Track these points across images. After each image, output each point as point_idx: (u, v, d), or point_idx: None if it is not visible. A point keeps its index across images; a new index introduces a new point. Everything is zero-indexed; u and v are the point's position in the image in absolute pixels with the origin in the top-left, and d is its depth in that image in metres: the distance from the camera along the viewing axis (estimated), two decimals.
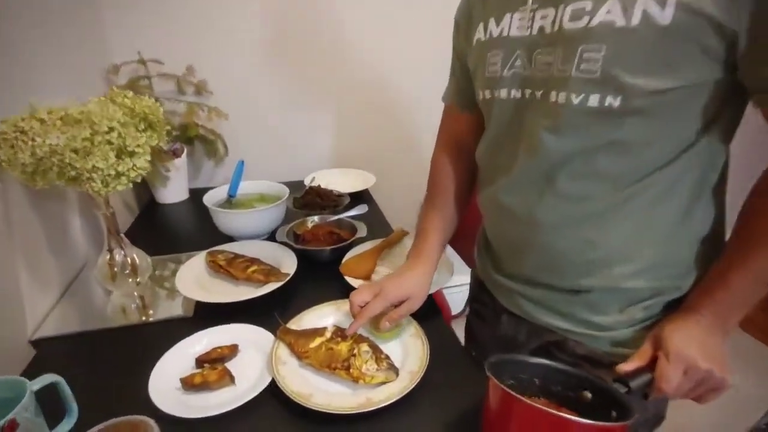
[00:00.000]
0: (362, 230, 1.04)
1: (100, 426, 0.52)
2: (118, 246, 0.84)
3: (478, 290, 0.83)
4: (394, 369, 0.65)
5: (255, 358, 0.70)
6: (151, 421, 0.52)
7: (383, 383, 0.64)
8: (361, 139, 1.66)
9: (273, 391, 0.63)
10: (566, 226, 0.57)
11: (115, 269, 0.84)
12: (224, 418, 0.59)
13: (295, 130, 1.56)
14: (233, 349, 0.69)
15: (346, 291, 0.86)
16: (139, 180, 0.74)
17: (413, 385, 0.62)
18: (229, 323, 0.76)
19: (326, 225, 1.08)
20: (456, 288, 1.63)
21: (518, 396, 0.48)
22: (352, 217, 1.11)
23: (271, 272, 0.88)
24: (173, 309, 0.84)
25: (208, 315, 0.82)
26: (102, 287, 0.89)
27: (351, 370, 0.63)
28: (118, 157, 0.70)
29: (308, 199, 1.21)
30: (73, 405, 0.55)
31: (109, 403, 0.62)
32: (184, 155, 1.35)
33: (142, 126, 0.78)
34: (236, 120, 1.44)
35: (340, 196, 1.25)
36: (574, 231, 0.57)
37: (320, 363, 0.66)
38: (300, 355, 0.68)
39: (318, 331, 0.71)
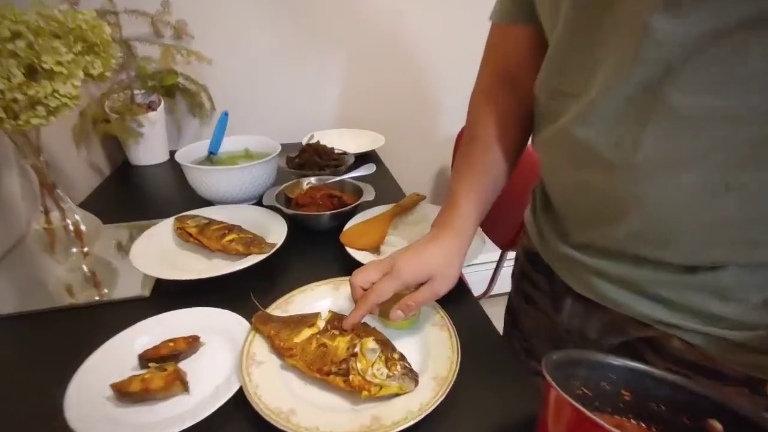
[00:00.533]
0: (369, 193, 0.85)
1: None
2: (57, 207, 0.66)
3: (529, 266, 0.64)
4: (411, 375, 0.46)
5: (223, 356, 0.52)
6: None
7: (396, 395, 0.45)
8: (371, 97, 1.44)
9: (241, 402, 0.45)
10: (686, 168, 0.37)
11: (52, 238, 0.66)
12: None
13: (294, 84, 1.35)
14: (192, 343, 0.51)
15: (348, 267, 0.67)
16: (65, 113, 0.55)
17: (440, 399, 0.44)
18: (192, 307, 0.58)
19: (325, 187, 0.89)
20: (475, 267, 1.45)
21: (598, 420, 0.29)
22: (357, 178, 0.90)
23: (253, 242, 0.69)
24: (131, 288, 0.66)
25: (170, 296, 0.64)
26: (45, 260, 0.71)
27: (351, 377, 0.45)
28: (29, 76, 0.50)
29: (305, 158, 1.01)
30: None
31: (8, 420, 0.45)
32: (161, 109, 1.15)
33: (78, 48, 0.58)
34: (223, 70, 1.23)
35: (344, 154, 1.05)
36: (698, 176, 0.37)
37: (309, 365, 0.47)
38: (282, 352, 0.49)
39: (307, 320, 0.52)
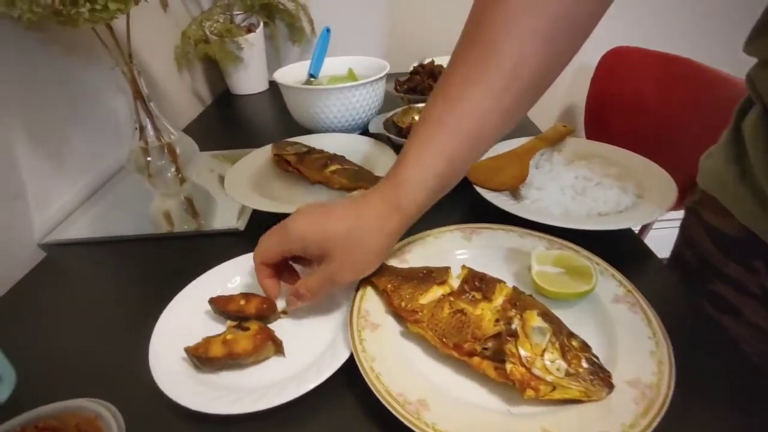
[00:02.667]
0: None
1: (26, 416, 0.27)
2: (151, 124, 0.59)
3: (720, 256, 0.43)
4: (603, 375, 0.30)
5: (323, 310, 0.41)
6: (113, 422, 0.26)
7: (576, 401, 0.30)
8: None
9: (350, 373, 0.33)
10: None
11: (149, 158, 0.59)
12: (258, 417, 0.32)
13: (404, 2, 1.16)
14: (264, 309, 0.39)
15: (478, 210, 0.52)
16: None
17: (656, 421, 0.28)
18: None
19: None
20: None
21: None
22: None
23: (359, 175, 0.57)
24: (227, 219, 0.58)
25: (265, 230, 0.55)
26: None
27: (508, 366, 0.30)
28: None
29: (416, 81, 0.84)
30: (4, 368, 0.31)
31: (100, 356, 0.39)
32: (260, 31, 1.05)
33: None
34: None
35: None
36: None
37: (442, 336, 0.34)
38: (404, 315, 0.36)
39: (435, 275, 0.39)
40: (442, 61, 0.94)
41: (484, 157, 0.59)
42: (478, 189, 0.53)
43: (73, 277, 0.51)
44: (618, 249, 0.46)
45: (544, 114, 1.37)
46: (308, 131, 0.77)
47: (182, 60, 0.96)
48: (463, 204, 0.56)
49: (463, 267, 0.39)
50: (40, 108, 0.58)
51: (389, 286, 0.38)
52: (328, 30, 0.88)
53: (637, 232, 1.05)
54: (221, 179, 0.71)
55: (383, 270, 0.40)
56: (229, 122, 0.99)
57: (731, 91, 0.82)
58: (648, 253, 0.47)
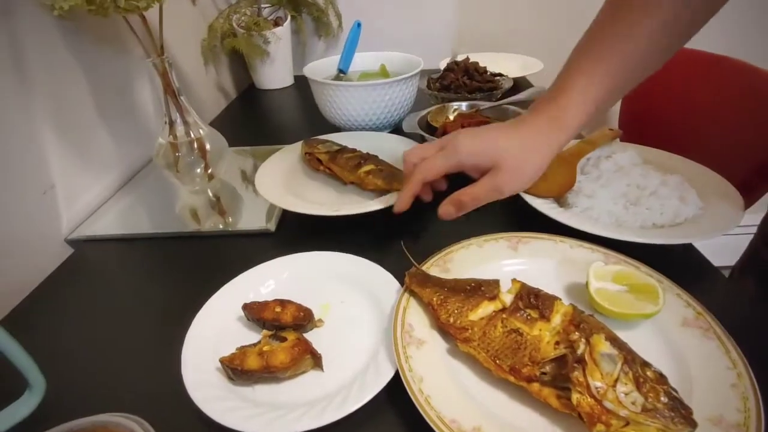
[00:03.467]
0: None
1: (66, 427, 0.25)
2: (181, 118, 0.57)
3: None
4: (683, 411, 0.27)
5: (364, 321, 0.38)
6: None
7: None
8: (525, 13, 1.15)
9: (393, 388, 0.31)
10: None
11: (178, 154, 0.58)
12: None
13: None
14: (301, 318, 0.37)
15: (524, 219, 0.49)
16: None
17: None
18: (323, 250, 0.45)
19: (479, 115, 0.69)
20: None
21: None
22: (519, 104, 0.69)
23: (394, 176, 0.54)
24: (256, 219, 0.56)
25: (296, 233, 0.53)
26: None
27: (574, 396, 0.27)
28: None
29: (450, 78, 0.81)
30: (32, 373, 0.29)
31: (128, 363, 0.37)
32: (287, 25, 1.03)
33: None
34: None
35: (500, 76, 0.82)
36: None
37: (495, 357, 0.31)
38: (452, 333, 0.34)
39: (485, 289, 0.36)
40: (476, 57, 0.91)
41: None
42: (524, 195, 0.50)
43: (100, 274, 0.50)
44: (674, 263, 0.43)
45: None
46: (336, 128, 0.75)
47: (209, 54, 0.94)
48: (507, 211, 0.53)
49: (514, 281, 0.37)
50: (70, 101, 0.57)
51: (435, 299, 0.36)
52: (359, 24, 0.85)
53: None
54: (244, 175, 0.69)
55: (427, 280, 0.38)
56: (255, 117, 0.97)
57: None
58: (710, 268, 0.43)
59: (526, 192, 0.51)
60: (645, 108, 1.10)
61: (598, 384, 0.27)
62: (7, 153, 0.47)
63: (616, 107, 1.17)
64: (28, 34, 0.50)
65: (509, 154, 0.39)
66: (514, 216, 0.52)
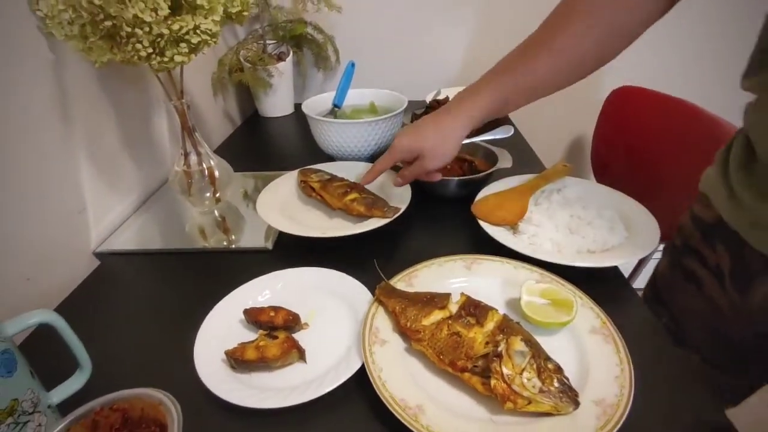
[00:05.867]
0: (505, 159, 0.73)
1: (105, 399, 0.34)
2: (195, 150, 0.67)
3: (699, 237, 0.53)
4: (570, 394, 0.36)
5: (341, 324, 0.47)
6: (172, 408, 0.33)
7: (547, 414, 0.36)
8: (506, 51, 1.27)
9: (361, 380, 0.40)
10: None
11: (190, 180, 0.67)
12: (283, 412, 0.38)
13: (422, 36, 1.24)
14: (290, 320, 0.47)
15: (480, 242, 0.58)
16: (204, 50, 0.53)
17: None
18: (312, 266, 0.55)
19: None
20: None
21: None
22: (491, 142, 0.79)
23: (375, 204, 0.64)
24: (256, 237, 0.66)
25: (290, 251, 0.62)
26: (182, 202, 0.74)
27: (492, 381, 0.36)
28: (173, 11, 0.48)
29: None
30: (82, 356, 0.38)
31: (151, 352, 0.46)
32: (289, 59, 1.14)
33: None
34: (350, 20, 1.17)
35: None
36: None
37: (439, 354, 0.40)
38: (408, 334, 0.43)
39: (437, 301, 0.45)
40: (451, 92, 1.03)
41: (489, 193, 0.66)
42: (481, 223, 0.59)
43: (124, 284, 0.59)
44: (604, 283, 0.52)
45: (552, 146, 1.44)
46: (329, 157, 0.85)
47: (217, 85, 1.05)
48: (465, 233, 0.63)
49: (462, 294, 0.46)
50: (100, 133, 0.66)
51: (397, 307, 0.45)
52: (353, 65, 0.96)
53: (633, 267, 1.10)
54: (247, 195, 0.79)
55: (393, 293, 0.47)
56: (258, 143, 1.08)
57: (718, 131, 0.86)
58: (628, 288, 0.53)
59: (484, 220, 0.60)
60: (610, 141, 1.22)
61: (508, 372, 0.36)
62: (48, 177, 0.56)
63: (589, 138, 1.28)
64: (71, 77, 0.60)
65: (430, 144, 0.57)
66: (472, 238, 0.61)
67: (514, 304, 0.48)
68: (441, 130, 0.57)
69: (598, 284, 0.50)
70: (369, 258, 0.56)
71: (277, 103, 1.18)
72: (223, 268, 0.60)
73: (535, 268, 0.52)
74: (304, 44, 1.21)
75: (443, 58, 1.27)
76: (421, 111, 0.96)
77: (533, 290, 0.47)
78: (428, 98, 1.09)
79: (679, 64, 1.27)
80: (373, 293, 0.49)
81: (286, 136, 1.12)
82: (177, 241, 0.68)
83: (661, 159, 1.04)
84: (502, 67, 0.54)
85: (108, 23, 0.45)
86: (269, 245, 0.63)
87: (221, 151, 1.00)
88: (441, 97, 1.00)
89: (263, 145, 1.07)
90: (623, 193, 0.66)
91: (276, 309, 0.47)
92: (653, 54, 1.23)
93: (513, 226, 0.61)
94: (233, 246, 0.65)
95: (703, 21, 1.20)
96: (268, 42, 1.14)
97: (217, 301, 0.49)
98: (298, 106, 1.23)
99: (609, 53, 0.49)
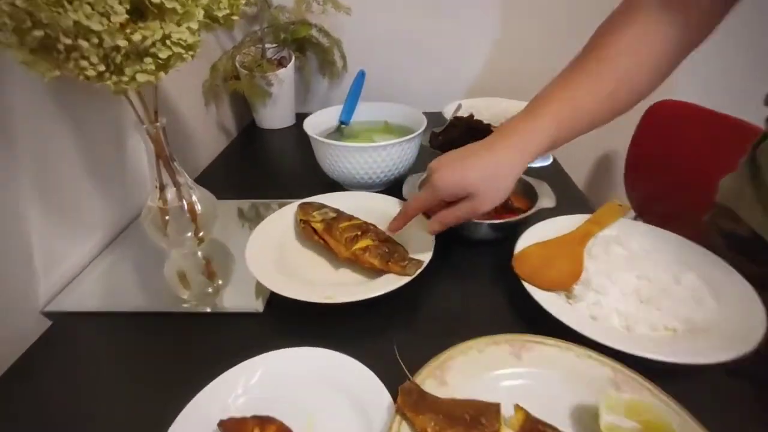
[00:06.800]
0: (547, 198, 0.61)
1: None
2: (172, 182, 0.55)
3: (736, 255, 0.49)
4: None
5: None
6: None
7: None
8: (533, 57, 1.14)
9: None
10: None
11: (167, 217, 0.55)
12: None
13: (439, 42, 1.12)
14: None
15: (525, 306, 0.46)
16: (178, 66, 0.41)
17: None
18: (311, 338, 0.42)
19: None
20: None
21: None
22: (527, 170, 0.66)
23: (392, 256, 0.51)
24: (245, 290, 0.53)
25: (285, 313, 0.50)
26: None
27: None
28: (134, 14, 0.36)
29: (453, 134, 0.79)
30: None
31: None
32: (291, 66, 1.02)
33: None
34: (360, 23, 1.04)
35: None
36: None
37: None
38: None
39: (485, 420, 0.33)
40: (470, 105, 0.90)
41: (530, 243, 0.53)
42: (528, 287, 0.47)
43: (77, 351, 0.47)
44: (691, 378, 0.40)
45: (576, 167, 1.32)
46: (334, 181, 0.73)
47: (210, 94, 0.93)
48: (506, 292, 0.51)
49: (517, 408, 0.34)
50: (52, 158, 0.53)
51: (430, 430, 0.33)
52: (363, 74, 0.84)
53: None
54: (241, 219, 0.67)
55: (422, 403, 0.35)
56: (255, 160, 0.95)
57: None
58: (724, 386, 0.40)
59: (530, 282, 0.48)
60: (646, 156, 1.11)
61: None
62: None
63: (623, 152, 1.16)
64: (17, 89, 0.47)
65: (480, 183, 0.46)
66: (511, 298, 0.49)
67: (587, 416, 0.36)
68: (496, 165, 0.46)
69: (683, 378, 0.38)
70: (386, 331, 0.44)
71: (276, 114, 1.06)
72: (204, 334, 0.48)
73: (605, 359, 0.39)
74: (308, 48, 1.08)
75: (463, 66, 1.14)
76: (441, 129, 0.83)
77: (615, 405, 0.34)
78: (447, 112, 0.96)
79: (719, 76, 1.14)
80: (391, 390, 0.37)
81: (287, 151, 1.00)
82: (149, 295, 0.55)
83: (711, 179, 0.92)
84: (562, 80, 0.47)
85: (38, 33, 0.33)
86: (260, 306, 0.50)
87: (213, 168, 0.87)
88: (463, 112, 0.87)
89: (260, 163, 0.95)
90: (692, 242, 0.53)
91: (262, 421, 0.35)
92: (692, 66, 1.10)
93: (568, 291, 0.48)
94: (218, 308, 0.52)
95: (740, 32, 1.07)
96: (267, 45, 1.02)
97: (193, 377, 0.37)
98: (300, 117, 1.10)
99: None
